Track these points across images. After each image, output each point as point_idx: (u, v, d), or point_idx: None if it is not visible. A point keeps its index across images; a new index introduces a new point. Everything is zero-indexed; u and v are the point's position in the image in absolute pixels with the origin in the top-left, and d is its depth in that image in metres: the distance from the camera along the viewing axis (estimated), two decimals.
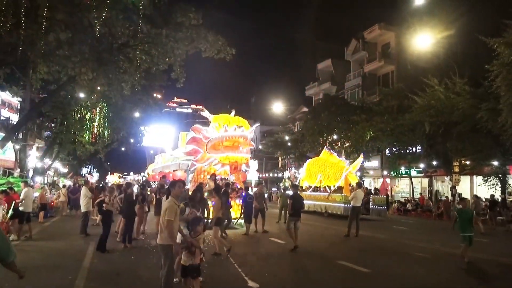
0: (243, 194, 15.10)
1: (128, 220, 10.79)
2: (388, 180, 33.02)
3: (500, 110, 17.66)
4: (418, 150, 28.98)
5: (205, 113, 16.44)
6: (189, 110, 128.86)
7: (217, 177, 15.65)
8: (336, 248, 11.71)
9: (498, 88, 17.74)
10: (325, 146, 27.07)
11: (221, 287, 7.16)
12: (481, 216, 17.89)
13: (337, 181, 21.05)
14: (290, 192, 14.38)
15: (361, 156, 23.42)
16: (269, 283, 7.41)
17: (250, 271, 7.97)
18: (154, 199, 14.70)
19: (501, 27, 17.40)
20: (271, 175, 53.03)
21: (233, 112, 16.56)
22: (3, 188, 12.67)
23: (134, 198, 11.51)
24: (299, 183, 21.96)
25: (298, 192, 12.34)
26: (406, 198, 30.34)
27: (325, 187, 22.43)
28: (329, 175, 21.33)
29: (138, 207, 11.96)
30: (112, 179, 49.26)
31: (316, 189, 23.43)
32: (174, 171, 20.48)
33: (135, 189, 14.26)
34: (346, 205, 19.60)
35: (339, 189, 21.28)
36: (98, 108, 25.98)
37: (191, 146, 15.60)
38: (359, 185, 16.12)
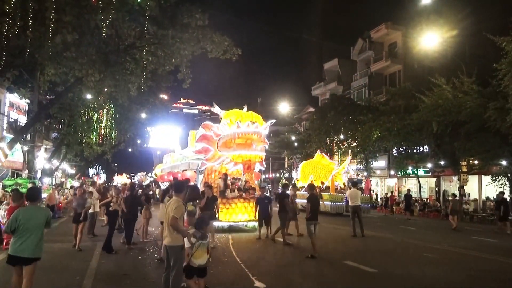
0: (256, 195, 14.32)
1: (131, 221, 10.91)
2: (372, 180, 34.24)
3: (508, 109, 17.53)
4: (425, 150, 28.80)
5: (216, 109, 15.14)
6: (196, 111, 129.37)
7: (228, 177, 15.10)
8: (342, 248, 11.67)
9: (506, 87, 17.62)
10: (319, 150, 28.86)
11: (228, 287, 7.16)
12: (456, 214, 18.38)
13: (326, 181, 23.67)
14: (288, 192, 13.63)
15: (348, 158, 27.19)
16: (276, 283, 7.40)
17: (257, 272, 7.97)
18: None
19: (509, 25, 17.25)
20: (277, 175, 53.02)
21: (245, 108, 15.31)
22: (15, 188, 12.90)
23: (140, 199, 11.65)
24: (294, 183, 22.19)
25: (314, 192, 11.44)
26: (414, 198, 30.16)
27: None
28: (320, 176, 23.63)
29: (145, 208, 12.04)
30: (121, 179, 49.47)
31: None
32: (183, 170, 19.70)
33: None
34: (332, 203, 22.27)
35: (327, 189, 23.41)
36: (105, 110, 26.19)
37: (201, 144, 14.61)
38: (354, 184, 16.04)
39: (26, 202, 5.76)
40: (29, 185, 13.72)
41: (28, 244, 5.29)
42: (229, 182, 15.00)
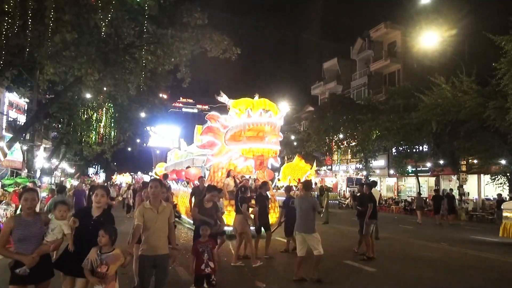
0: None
1: None
2: (371, 179, 35.25)
3: (507, 108, 17.52)
4: (425, 149, 28.81)
5: (223, 98, 13.22)
6: (195, 110, 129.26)
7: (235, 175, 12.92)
8: (342, 247, 11.66)
9: (505, 86, 17.61)
10: (300, 153, 31.65)
11: (227, 286, 7.16)
12: (422, 209, 20.93)
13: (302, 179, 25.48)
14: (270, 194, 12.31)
15: (315, 162, 30.53)
16: (276, 282, 7.40)
17: (257, 271, 7.97)
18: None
19: (508, 24, 17.26)
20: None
21: (256, 96, 13.17)
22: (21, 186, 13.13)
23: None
24: (276, 183, 22.76)
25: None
26: (413, 198, 30.20)
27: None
28: (296, 177, 25.57)
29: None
30: (123, 178, 49.49)
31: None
32: (187, 168, 18.12)
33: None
34: None
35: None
36: (104, 109, 26.12)
37: (206, 137, 12.91)
38: (374, 183, 15.65)
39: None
40: (29, 184, 13.78)
41: None
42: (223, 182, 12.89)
